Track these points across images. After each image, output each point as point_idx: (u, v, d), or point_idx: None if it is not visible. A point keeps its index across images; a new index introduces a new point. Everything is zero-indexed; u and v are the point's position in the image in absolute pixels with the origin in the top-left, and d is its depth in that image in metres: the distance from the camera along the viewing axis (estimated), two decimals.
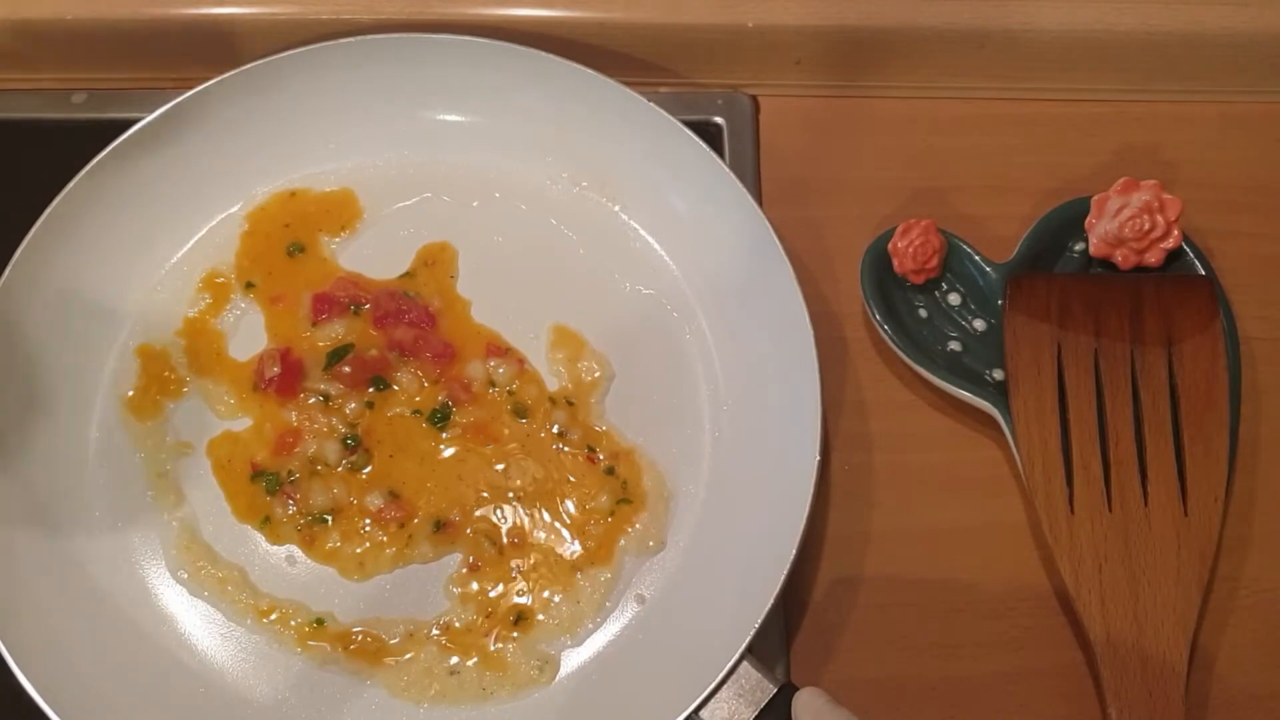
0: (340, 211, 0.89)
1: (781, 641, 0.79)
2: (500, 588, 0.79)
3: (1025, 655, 0.79)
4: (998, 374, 0.83)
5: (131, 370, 0.83)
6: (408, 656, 0.77)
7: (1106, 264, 0.86)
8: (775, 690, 0.72)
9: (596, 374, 0.84)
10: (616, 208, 0.89)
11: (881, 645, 0.80)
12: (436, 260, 0.88)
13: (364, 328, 0.85)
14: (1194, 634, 0.75)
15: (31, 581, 0.76)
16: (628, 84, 0.86)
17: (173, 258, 0.87)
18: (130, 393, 0.83)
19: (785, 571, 0.73)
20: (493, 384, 0.83)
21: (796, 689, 0.71)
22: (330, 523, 0.80)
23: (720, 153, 0.91)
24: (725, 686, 0.72)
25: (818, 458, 0.75)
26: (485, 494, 0.81)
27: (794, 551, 0.73)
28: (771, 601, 0.72)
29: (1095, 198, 0.85)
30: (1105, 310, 0.83)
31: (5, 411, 0.79)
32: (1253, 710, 0.78)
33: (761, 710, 0.71)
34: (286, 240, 0.88)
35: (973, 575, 0.81)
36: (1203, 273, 0.85)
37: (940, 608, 0.80)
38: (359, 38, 0.88)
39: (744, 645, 0.72)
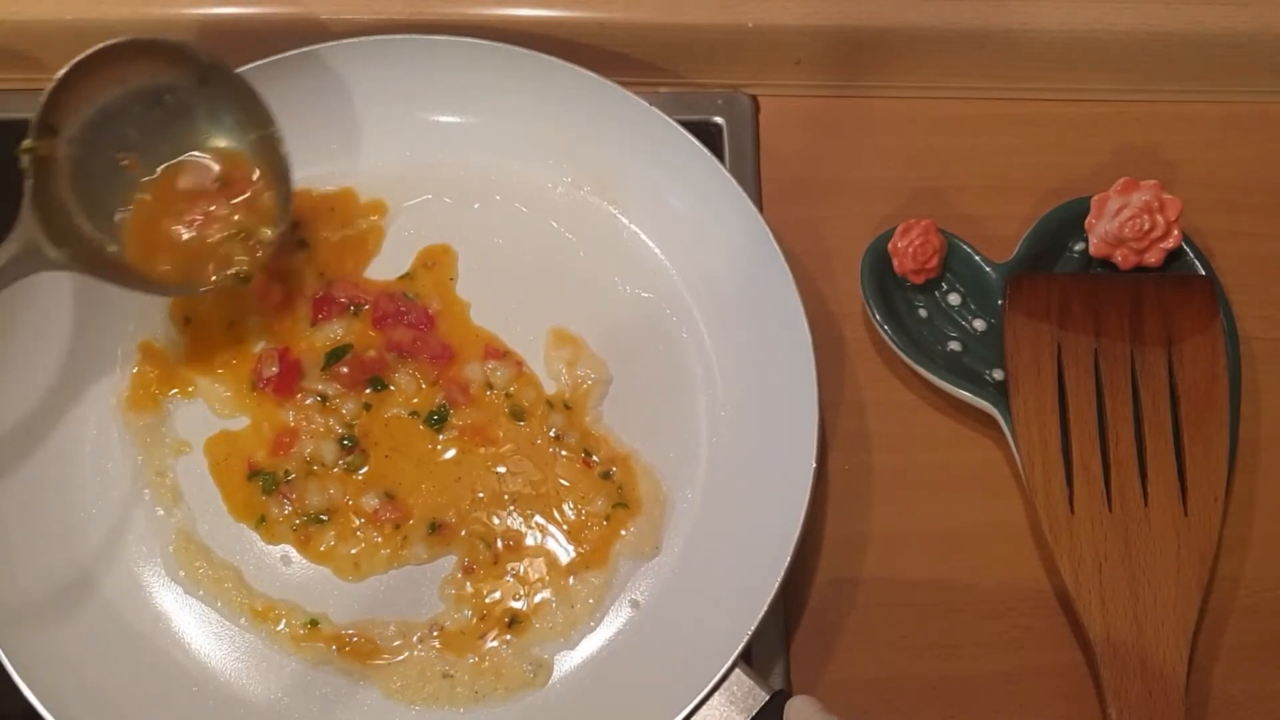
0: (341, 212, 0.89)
1: (781, 642, 0.79)
2: (494, 591, 0.79)
3: (1025, 655, 0.79)
4: (998, 374, 0.83)
5: (130, 368, 0.83)
6: (401, 658, 0.77)
7: (1106, 264, 0.86)
8: (768, 697, 0.71)
9: (594, 377, 0.84)
10: (616, 210, 0.89)
11: (881, 645, 0.79)
12: (436, 262, 0.87)
13: (363, 328, 0.85)
14: (1194, 634, 0.75)
15: (26, 578, 0.76)
16: (628, 84, 0.86)
17: None
18: (129, 391, 0.83)
19: (780, 578, 0.73)
20: (490, 386, 0.83)
21: (789, 696, 0.71)
22: (326, 523, 0.80)
23: (720, 153, 0.91)
24: (718, 693, 0.72)
25: (814, 464, 0.75)
26: (481, 496, 0.81)
27: (789, 558, 0.73)
28: (765, 608, 0.72)
29: (1095, 198, 0.85)
30: (1105, 310, 0.83)
31: (4, 409, 0.79)
32: (1252, 710, 0.78)
33: (753, 717, 0.71)
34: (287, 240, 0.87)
35: (973, 575, 0.81)
36: (1203, 273, 0.85)
37: (940, 608, 0.80)
38: (359, 38, 0.88)
39: (737, 652, 0.72)
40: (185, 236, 0.80)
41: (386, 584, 0.79)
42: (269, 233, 0.81)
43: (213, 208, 0.80)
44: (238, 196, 0.81)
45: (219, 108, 0.81)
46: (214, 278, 0.80)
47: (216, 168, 0.81)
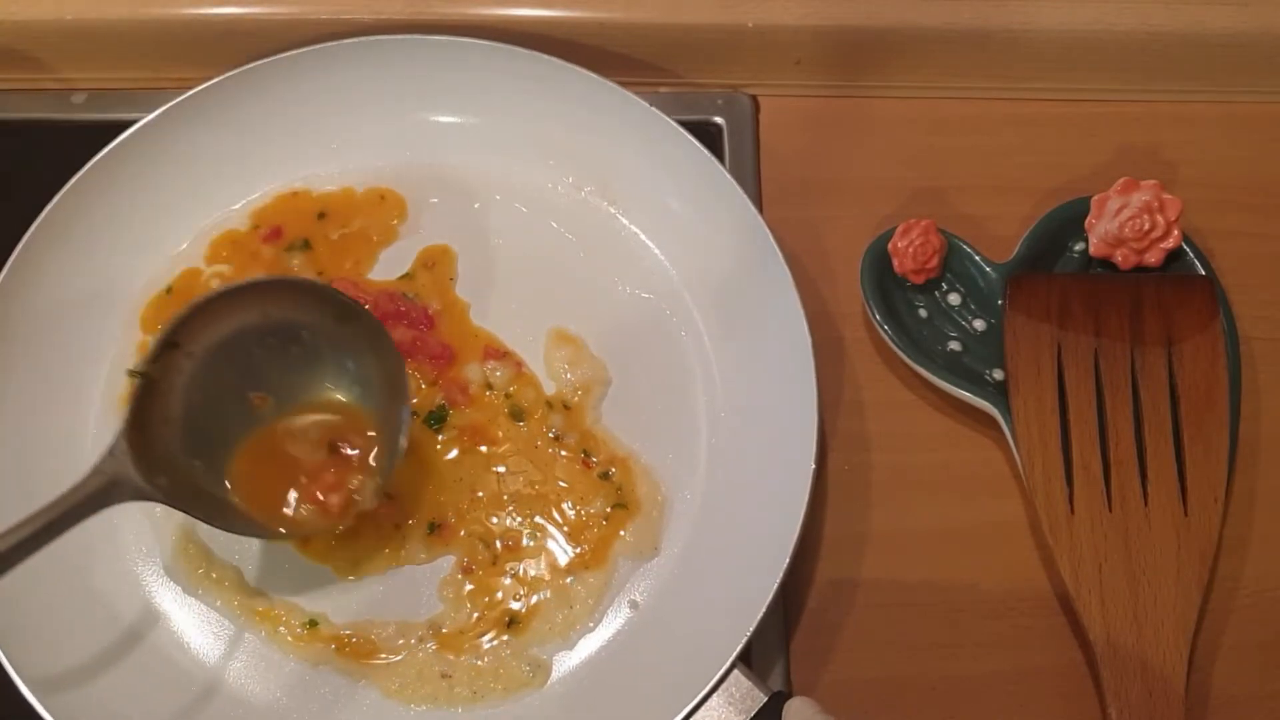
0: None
1: (780, 642, 0.79)
2: (493, 591, 0.78)
3: (1025, 655, 0.79)
4: (998, 374, 0.83)
5: (130, 367, 0.83)
6: (400, 658, 0.77)
7: (1106, 264, 0.86)
8: (766, 698, 0.71)
9: (594, 378, 0.84)
10: (616, 211, 0.89)
11: (881, 645, 0.79)
12: (436, 262, 0.88)
13: None
14: (1194, 634, 0.75)
15: (25, 577, 0.75)
16: (628, 84, 0.86)
17: (171, 256, 0.87)
18: (128, 390, 0.82)
19: (779, 579, 0.73)
20: (490, 386, 0.83)
21: (787, 697, 0.71)
22: None
23: (720, 153, 0.91)
24: (716, 694, 0.71)
25: (814, 465, 0.75)
26: (480, 496, 0.80)
27: (788, 558, 0.73)
28: (765, 609, 0.72)
29: (1095, 198, 0.85)
30: (1105, 310, 0.83)
31: (3, 408, 0.80)
32: (1253, 710, 0.77)
33: (752, 718, 0.71)
34: (287, 239, 0.88)
35: (973, 575, 0.81)
36: (1203, 273, 0.85)
37: (940, 608, 0.80)
38: (359, 38, 0.88)
39: (735, 653, 0.72)
40: (289, 488, 0.76)
41: (385, 584, 0.79)
42: (371, 488, 0.76)
43: (322, 463, 0.76)
44: (349, 454, 0.76)
45: (350, 350, 0.76)
46: (309, 528, 0.76)
47: (333, 422, 0.77)
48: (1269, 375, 0.86)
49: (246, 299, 0.73)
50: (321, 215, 0.89)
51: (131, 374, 0.71)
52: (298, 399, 0.77)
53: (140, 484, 0.69)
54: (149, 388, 0.72)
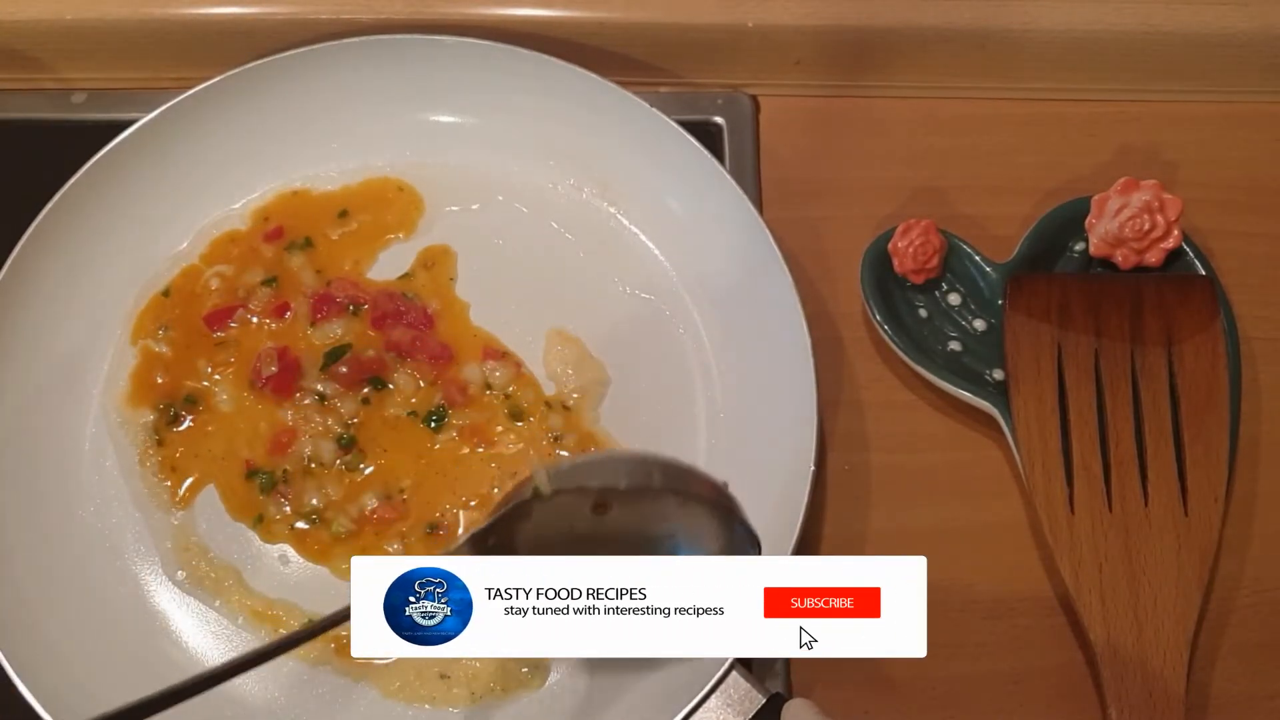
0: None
1: None
2: None
3: (1025, 655, 0.78)
4: (998, 374, 0.83)
5: (129, 367, 0.84)
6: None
7: (1107, 264, 0.86)
8: (764, 700, 0.71)
9: (593, 379, 0.84)
10: (616, 211, 0.89)
11: None
12: (436, 262, 0.87)
13: (362, 328, 0.85)
14: (1194, 634, 0.75)
15: (23, 575, 0.76)
16: (627, 84, 0.86)
17: (171, 256, 0.87)
18: (127, 389, 0.83)
19: None
20: (489, 387, 0.83)
21: (786, 699, 0.71)
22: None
23: (720, 153, 0.91)
24: (714, 695, 0.71)
25: (813, 466, 0.75)
26: (480, 496, 0.80)
27: None
28: None
29: (1095, 198, 0.85)
30: (1105, 310, 0.83)
31: (3, 407, 0.80)
32: (1253, 710, 0.77)
33: None
34: (288, 238, 0.88)
35: (973, 575, 0.80)
36: (1203, 273, 0.85)
37: (940, 608, 0.79)
38: (359, 38, 0.88)
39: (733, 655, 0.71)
40: None
41: None
42: None
43: None
44: None
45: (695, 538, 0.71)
46: None
47: None
48: (1269, 375, 0.85)
49: (652, 469, 0.69)
50: (343, 214, 0.89)
51: (536, 490, 0.67)
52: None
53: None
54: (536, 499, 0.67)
